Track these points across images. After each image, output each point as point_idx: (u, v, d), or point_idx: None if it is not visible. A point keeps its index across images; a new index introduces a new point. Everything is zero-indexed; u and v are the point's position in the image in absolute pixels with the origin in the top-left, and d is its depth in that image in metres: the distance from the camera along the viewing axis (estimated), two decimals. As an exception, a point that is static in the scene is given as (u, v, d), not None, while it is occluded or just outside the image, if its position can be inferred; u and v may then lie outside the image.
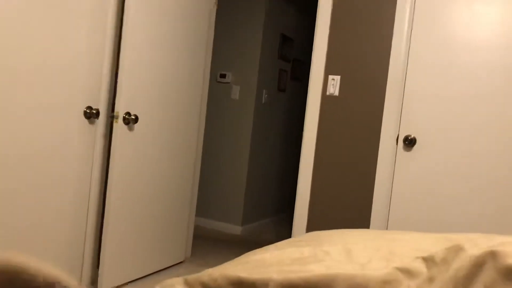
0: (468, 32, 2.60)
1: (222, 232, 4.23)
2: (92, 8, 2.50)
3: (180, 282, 1.09)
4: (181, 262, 3.29)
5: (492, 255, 0.90)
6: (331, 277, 0.98)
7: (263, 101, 4.32)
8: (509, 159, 2.52)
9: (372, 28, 2.82)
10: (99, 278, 2.59)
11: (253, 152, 4.28)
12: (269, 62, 4.35)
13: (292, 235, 2.98)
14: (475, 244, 0.99)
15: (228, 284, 1.02)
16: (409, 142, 2.71)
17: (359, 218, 2.83)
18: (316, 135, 2.94)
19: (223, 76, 4.28)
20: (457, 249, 1.00)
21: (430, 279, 0.97)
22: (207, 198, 4.37)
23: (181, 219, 3.21)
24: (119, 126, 2.55)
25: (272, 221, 4.83)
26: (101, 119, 2.64)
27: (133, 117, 2.60)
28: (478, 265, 0.91)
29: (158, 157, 2.89)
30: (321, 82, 2.92)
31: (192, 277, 1.09)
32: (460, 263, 0.94)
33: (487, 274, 0.88)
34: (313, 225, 2.94)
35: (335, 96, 2.90)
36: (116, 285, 2.69)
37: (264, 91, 4.31)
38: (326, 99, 2.92)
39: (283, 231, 4.59)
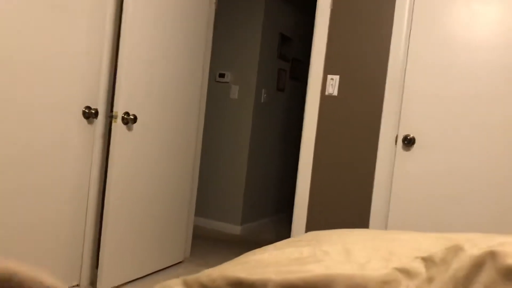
0: (467, 31, 2.60)
1: (221, 232, 4.23)
2: (91, 8, 2.50)
3: (179, 283, 1.09)
4: (180, 262, 3.28)
5: (492, 255, 0.90)
6: (330, 278, 0.98)
7: (262, 101, 4.32)
8: (508, 159, 2.52)
9: (371, 28, 2.82)
10: (98, 278, 2.58)
11: (252, 151, 4.28)
12: (268, 62, 4.35)
13: (291, 235, 2.98)
14: (475, 244, 0.99)
15: (227, 284, 1.02)
16: (408, 142, 2.71)
17: (358, 217, 2.83)
18: (315, 135, 2.93)
19: (222, 75, 4.27)
20: (456, 249, 1.00)
21: (430, 279, 0.97)
22: (206, 198, 4.37)
23: (180, 219, 3.21)
24: (118, 126, 2.55)
25: (272, 221, 4.83)
26: (100, 119, 2.64)
27: (131, 117, 2.60)
28: (477, 265, 0.91)
29: (157, 157, 2.89)
30: (320, 82, 2.92)
31: (191, 277, 1.09)
32: (459, 263, 0.94)
33: (487, 274, 0.88)
34: (312, 226, 2.94)
35: (334, 96, 2.90)
36: (115, 285, 2.68)
37: (263, 90, 4.31)
38: (325, 99, 2.92)
39: (283, 230, 4.59)
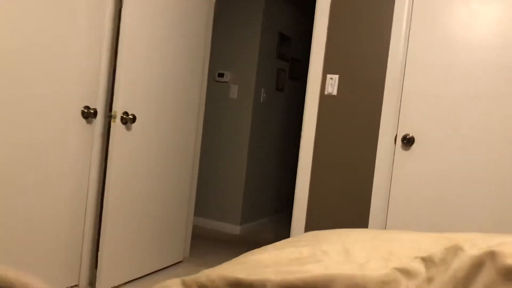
0: (466, 31, 2.59)
1: (220, 232, 4.23)
2: (90, 7, 2.49)
3: (178, 283, 1.08)
4: (179, 262, 3.28)
5: (491, 255, 0.90)
6: (330, 278, 0.97)
7: (261, 101, 4.32)
8: (508, 159, 2.51)
9: (371, 28, 2.81)
10: (97, 279, 2.58)
11: (252, 151, 4.28)
12: (267, 61, 4.35)
13: (290, 235, 2.98)
14: (474, 244, 0.99)
15: (226, 285, 1.01)
16: (408, 141, 2.70)
17: (357, 217, 2.83)
18: (315, 134, 2.93)
19: (221, 75, 4.27)
20: (456, 249, 0.99)
21: (429, 280, 0.97)
22: (205, 198, 4.37)
23: (180, 218, 3.21)
24: (116, 125, 2.54)
25: (271, 221, 4.83)
26: (99, 119, 2.63)
27: (130, 116, 2.60)
28: (477, 265, 0.91)
29: (156, 156, 2.89)
30: (319, 82, 2.91)
31: (190, 278, 1.09)
32: (459, 264, 0.93)
33: (486, 275, 0.88)
34: (311, 226, 2.94)
35: (333, 96, 2.90)
36: (114, 285, 2.68)
37: (262, 90, 4.31)
38: (324, 99, 2.92)
39: (282, 230, 4.59)
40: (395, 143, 2.75)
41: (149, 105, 2.77)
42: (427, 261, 1.03)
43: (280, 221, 4.95)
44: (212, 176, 4.34)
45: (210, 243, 3.84)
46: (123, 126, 2.59)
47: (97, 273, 2.58)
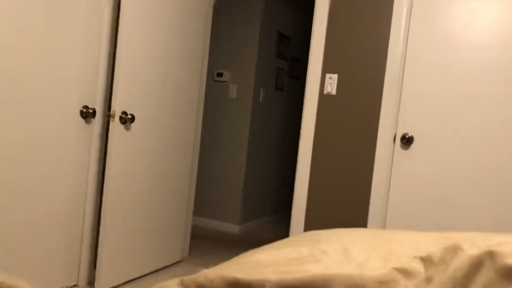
0: (465, 31, 2.59)
1: (220, 231, 4.23)
2: (88, 7, 2.49)
3: (176, 283, 1.08)
4: (178, 262, 3.28)
5: (490, 255, 0.90)
6: (329, 278, 0.97)
7: (260, 100, 4.31)
8: (507, 158, 2.51)
9: (370, 27, 2.81)
10: (96, 278, 2.58)
11: (251, 151, 4.28)
12: (267, 61, 4.34)
13: (290, 234, 2.98)
14: (473, 244, 0.99)
15: (225, 285, 1.01)
16: (407, 141, 2.70)
17: (356, 216, 2.82)
18: (314, 134, 2.93)
19: (220, 75, 4.26)
20: (455, 249, 0.99)
21: (428, 279, 0.97)
22: (205, 197, 4.36)
23: (179, 218, 3.20)
24: (115, 125, 2.54)
25: (271, 220, 4.83)
26: (98, 119, 2.63)
27: (129, 116, 2.59)
28: (476, 265, 0.91)
29: (155, 156, 2.88)
30: (318, 81, 2.91)
31: (189, 278, 1.08)
32: (458, 263, 0.93)
33: (486, 274, 0.87)
34: (310, 225, 2.94)
35: (333, 95, 2.89)
36: (114, 285, 2.68)
37: (261, 89, 4.30)
38: (323, 98, 2.92)
39: (282, 229, 4.59)
40: (394, 142, 2.75)
41: (148, 104, 2.77)
42: (426, 260, 1.02)
43: (280, 221, 4.95)
44: (211, 176, 4.34)
45: (209, 243, 3.84)
46: (121, 126, 2.58)
47: (96, 273, 2.58)
